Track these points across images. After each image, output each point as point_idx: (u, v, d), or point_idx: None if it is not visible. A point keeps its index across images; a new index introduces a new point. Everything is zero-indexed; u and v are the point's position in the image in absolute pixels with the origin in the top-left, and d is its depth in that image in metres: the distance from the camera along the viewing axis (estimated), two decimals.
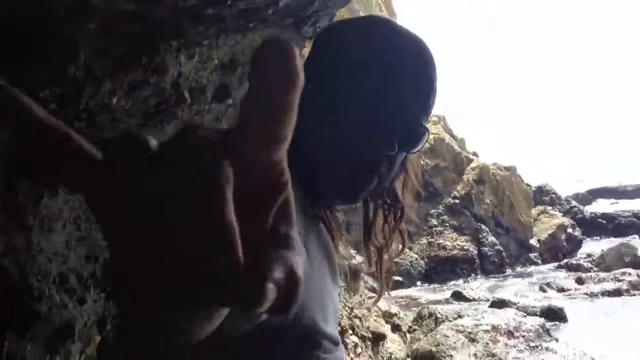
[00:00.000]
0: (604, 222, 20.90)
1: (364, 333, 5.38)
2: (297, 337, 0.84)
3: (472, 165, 14.80)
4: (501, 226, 14.80)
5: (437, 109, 1.34)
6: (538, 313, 8.55)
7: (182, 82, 1.98)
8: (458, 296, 9.84)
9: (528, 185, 17.03)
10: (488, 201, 14.58)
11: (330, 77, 0.98)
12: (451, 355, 6.15)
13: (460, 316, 7.24)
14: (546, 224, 16.23)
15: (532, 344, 6.68)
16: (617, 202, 28.44)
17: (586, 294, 10.85)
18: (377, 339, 5.74)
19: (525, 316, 7.57)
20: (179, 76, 1.93)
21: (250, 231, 0.36)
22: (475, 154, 15.67)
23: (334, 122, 0.96)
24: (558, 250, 15.76)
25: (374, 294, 7.58)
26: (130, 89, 1.68)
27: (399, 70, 0.97)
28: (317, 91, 0.89)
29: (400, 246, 1.16)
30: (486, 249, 13.82)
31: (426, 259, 12.72)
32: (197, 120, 2.43)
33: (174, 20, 1.66)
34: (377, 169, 0.99)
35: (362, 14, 11.43)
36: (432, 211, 13.70)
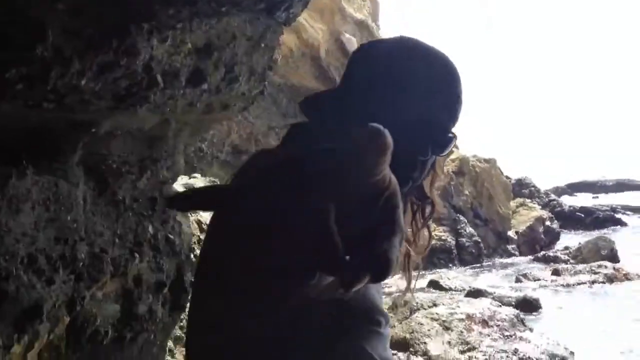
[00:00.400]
0: (583, 215, 21.15)
1: None
2: (362, 313, 1.00)
3: (452, 156, 14.89)
4: (479, 217, 14.93)
5: None
6: (513, 303, 8.68)
7: (155, 66, 1.97)
8: (435, 285, 9.94)
9: (508, 177, 17.18)
10: (467, 192, 14.69)
11: (367, 92, 1.12)
12: (425, 343, 6.23)
13: (435, 305, 7.31)
14: (524, 216, 16.40)
15: (506, 333, 6.78)
16: (597, 197, 28.78)
17: (562, 285, 11.00)
18: None
19: (500, 306, 7.67)
20: (150, 59, 1.93)
21: (360, 226, 0.55)
22: (455, 146, 15.76)
23: None
24: (535, 242, 15.94)
25: None
26: (99, 70, 1.68)
27: (430, 87, 1.12)
28: (355, 103, 1.10)
29: (427, 242, 1.29)
30: (464, 239, 13.95)
31: None
32: (170, 105, 2.43)
33: (144, 2, 1.66)
34: (413, 174, 1.13)
35: (344, 4, 11.40)
36: None
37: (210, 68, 2.45)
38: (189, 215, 3.54)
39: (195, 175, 5.19)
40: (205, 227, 3.94)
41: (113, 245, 2.36)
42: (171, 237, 2.76)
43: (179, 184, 4.29)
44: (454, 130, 1.18)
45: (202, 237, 3.93)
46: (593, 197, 28.97)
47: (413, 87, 1.11)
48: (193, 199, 0.65)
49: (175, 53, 2.10)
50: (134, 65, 1.80)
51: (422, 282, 9.72)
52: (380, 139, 0.54)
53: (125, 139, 2.56)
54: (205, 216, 4.06)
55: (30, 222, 1.92)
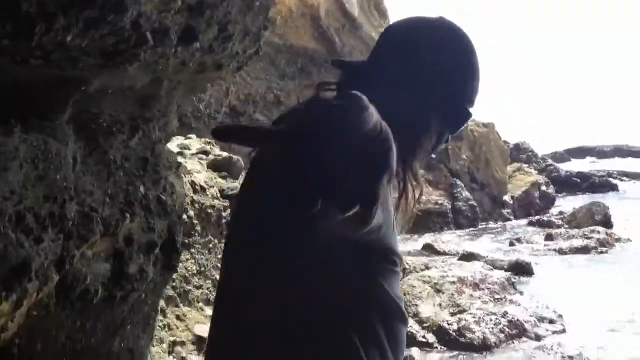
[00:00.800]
0: (579, 181, 21.20)
1: None
2: (380, 255, 1.12)
3: None
4: (476, 182, 14.97)
5: None
6: (506, 267, 8.73)
7: (144, 23, 1.93)
8: (429, 249, 10.00)
9: (506, 142, 17.16)
10: (465, 157, 14.69)
11: (402, 75, 1.22)
12: (417, 305, 6.30)
13: (428, 268, 7.38)
14: (521, 181, 16.44)
15: (496, 297, 6.85)
16: (597, 162, 28.85)
17: (555, 250, 11.08)
18: None
19: (493, 270, 7.74)
20: (139, 16, 1.89)
21: (358, 165, 0.72)
22: None
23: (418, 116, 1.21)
24: (531, 207, 16.03)
25: None
26: (85, 27, 1.65)
27: (460, 77, 1.28)
28: (389, 83, 1.19)
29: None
30: (460, 203, 14.01)
31: None
32: (162, 64, 2.40)
33: None
34: (439, 145, 1.32)
35: None
36: None
37: (202, 26, 2.40)
38: (183, 176, 3.53)
39: (191, 136, 5.16)
40: (199, 188, 3.93)
41: (104, 205, 2.35)
42: (163, 197, 2.76)
43: (174, 145, 4.27)
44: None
45: (196, 198, 3.94)
46: (591, 163, 29.03)
47: (443, 76, 1.25)
48: (234, 133, 0.74)
49: (165, 10, 2.06)
50: (122, 22, 1.76)
51: (417, 245, 9.80)
52: (360, 101, 0.73)
53: (116, 97, 2.54)
54: (200, 177, 4.05)
55: (19, 180, 1.91)
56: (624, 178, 23.66)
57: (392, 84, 1.19)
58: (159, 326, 3.37)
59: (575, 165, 26.19)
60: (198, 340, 3.56)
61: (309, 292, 1.05)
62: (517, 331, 6.32)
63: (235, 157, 4.51)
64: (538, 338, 6.30)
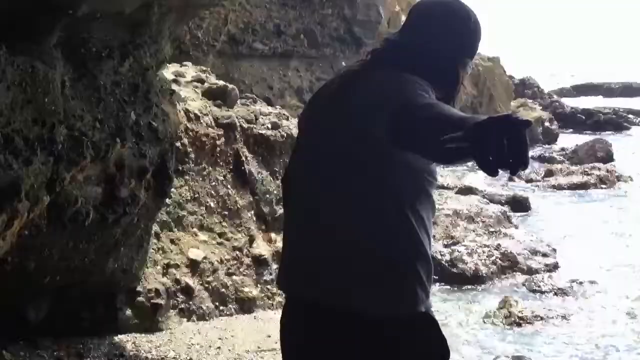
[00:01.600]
0: (583, 117, 21.00)
1: None
2: (430, 173, 1.72)
3: None
4: None
5: None
6: (503, 201, 8.76)
7: None
8: None
9: (511, 77, 16.93)
10: (467, 92, 14.55)
11: (432, 39, 1.79)
12: None
13: None
14: (524, 116, 16.30)
15: (491, 229, 6.93)
16: (604, 99, 28.50)
17: (553, 186, 11.08)
18: None
19: (489, 203, 7.79)
20: None
21: None
22: None
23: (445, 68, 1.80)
24: (533, 142, 15.97)
25: None
26: None
27: (472, 40, 1.88)
28: (423, 47, 1.77)
29: None
30: None
31: None
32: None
33: None
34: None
35: None
36: None
37: None
38: (177, 103, 3.54)
39: (187, 63, 5.12)
40: (193, 116, 3.95)
41: (93, 130, 2.39)
42: (154, 124, 2.78)
43: (169, 72, 4.25)
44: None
45: (190, 126, 3.96)
46: (597, 99, 28.73)
47: (461, 38, 1.84)
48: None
49: None
50: None
51: None
52: (529, 122, 1.29)
53: (106, 23, 2.53)
54: (194, 105, 4.05)
55: (6, 102, 1.93)
56: (630, 116, 23.44)
57: (425, 47, 1.75)
58: (153, 249, 3.46)
59: (581, 102, 25.92)
60: (192, 263, 3.66)
61: (386, 194, 1.66)
62: (508, 263, 6.39)
63: (230, 85, 4.50)
64: (530, 271, 6.34)
